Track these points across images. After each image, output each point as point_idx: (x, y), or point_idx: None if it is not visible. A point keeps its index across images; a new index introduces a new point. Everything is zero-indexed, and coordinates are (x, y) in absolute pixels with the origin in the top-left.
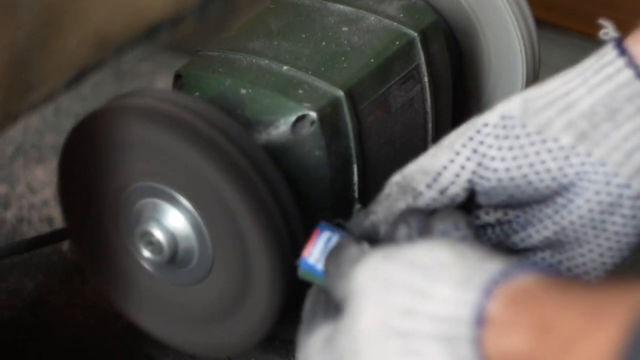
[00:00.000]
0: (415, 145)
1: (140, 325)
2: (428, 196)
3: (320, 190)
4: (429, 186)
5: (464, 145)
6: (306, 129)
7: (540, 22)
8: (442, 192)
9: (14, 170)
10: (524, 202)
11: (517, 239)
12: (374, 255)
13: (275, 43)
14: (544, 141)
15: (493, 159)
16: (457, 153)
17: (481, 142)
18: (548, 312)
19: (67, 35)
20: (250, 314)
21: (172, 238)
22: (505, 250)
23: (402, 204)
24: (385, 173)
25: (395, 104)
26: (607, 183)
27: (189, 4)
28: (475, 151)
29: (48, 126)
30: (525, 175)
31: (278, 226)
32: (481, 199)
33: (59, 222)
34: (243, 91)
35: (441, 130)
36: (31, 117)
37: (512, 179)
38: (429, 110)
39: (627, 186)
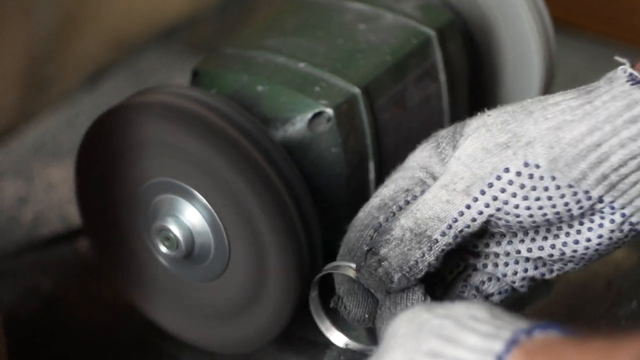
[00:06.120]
0: None
1: (157, 322)
2: (443, 243)
3: (336, 187)
4: (444, 234)
5: (482, 192)
6: (322, 126)
7: (557, 21)
8: (457, 236)
9: (32, 169)
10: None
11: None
12: (416, 307)
13: (292, 40)
14: (575, 194)
15: (517, 206)
16: (475, 199)
17: (503, 190)
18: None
19: (85, 34)
20: (266, 311)
21: (189, 234)
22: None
23: (418, 254)
24: None
25: (412, 102)
26: (623, 223)
27: (207, 4)
28: (495, 198)
29: (66, 125)
30: (545, 215)
31: (294, 223)
32: (491, 228)
33: (76, 221)
34: (260, 88)
35: None
36: (49, 116)
37: (533, 221)
38: (446, 108)
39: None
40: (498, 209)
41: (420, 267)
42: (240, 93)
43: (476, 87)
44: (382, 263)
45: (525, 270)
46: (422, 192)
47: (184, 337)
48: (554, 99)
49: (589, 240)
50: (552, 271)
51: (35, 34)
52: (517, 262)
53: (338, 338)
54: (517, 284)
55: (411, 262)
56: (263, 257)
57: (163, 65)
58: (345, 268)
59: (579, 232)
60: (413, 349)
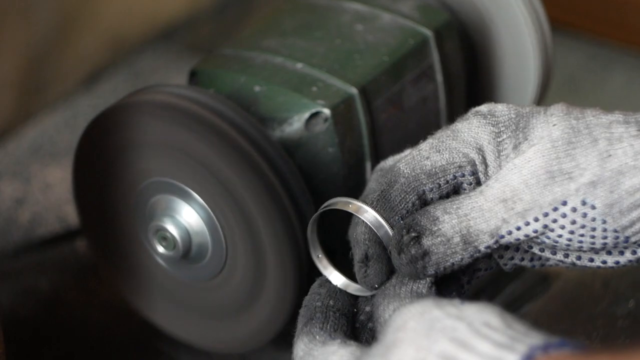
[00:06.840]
0: None
1: (154, 322)
2: (483, 253)
3: (334, 187)
4: (489, 247)
5: (536, 220)
6: (320, 126)
7: (553, 21)
8: (496, 248)
9: (30, 170)
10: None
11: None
12: (425, 300)
13: (290, 41)
14: (616, 237)
15: (560, 236)
16: (527, 224)
17: (554, 220)
18: None
19: (83, 35)
20: (263, 310)
21: (186, 233)
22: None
23: (458, 258)
24: None
25: (409, 102)
26: None
27: (205, 5)
28: (545, 226)
29: (64, 126)
30: (581, 248)
31: (291, 222)
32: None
33: (74, 221)
34: (257, 88)
35: None
36: (47, 117)
37: (567, 248)
38: (443, 109)
39: None
40: (542, 234)
41: (455, 268)
42: (237, 93)
43: (473, 88)
44: (425, 258)
45: (522, 260)
46: (472, 173)
47: (182, 337)
48: (617, 128)
49: (604, 262)
50: (543, 265)
51: (34, 35)
52: (517, 250)
53: (336, 278)
54: (507, 267)
55: (448, 264)
56: (260, 257)
57: (161, 66)
58: (377, 223)
59: (597, 252)
60: (424, 348)
